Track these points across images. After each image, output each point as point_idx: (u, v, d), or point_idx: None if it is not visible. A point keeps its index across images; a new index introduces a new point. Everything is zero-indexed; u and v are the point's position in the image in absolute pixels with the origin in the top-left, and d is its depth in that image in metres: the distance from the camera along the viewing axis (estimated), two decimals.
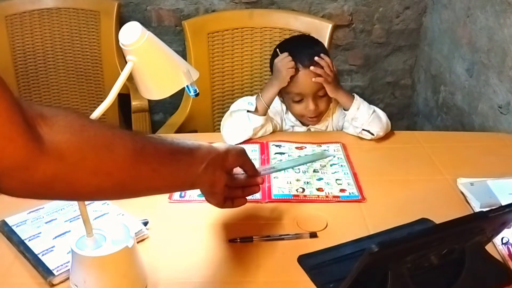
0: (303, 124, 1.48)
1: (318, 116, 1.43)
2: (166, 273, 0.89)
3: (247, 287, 0.86)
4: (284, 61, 1.37)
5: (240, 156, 0.88)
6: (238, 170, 0.91)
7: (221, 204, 0.90)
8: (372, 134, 1.32)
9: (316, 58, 1.35)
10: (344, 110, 1.38)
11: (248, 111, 1.36)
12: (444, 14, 2.01)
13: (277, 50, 1.44)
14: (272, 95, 1.38)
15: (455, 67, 1.92)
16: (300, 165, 1.20)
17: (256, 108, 1.36)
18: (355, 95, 1.38)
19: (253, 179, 0.93)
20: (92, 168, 0.63)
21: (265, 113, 1.37)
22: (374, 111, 1.34)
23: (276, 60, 1.40)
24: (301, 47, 1.42)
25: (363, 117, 1.32)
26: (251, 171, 0.92)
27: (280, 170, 1.13)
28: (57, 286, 0.85)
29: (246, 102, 1.39)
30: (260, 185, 0.95)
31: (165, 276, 0.88)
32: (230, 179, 0.88)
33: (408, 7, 2.18)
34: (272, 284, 0.87)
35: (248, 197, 1.08)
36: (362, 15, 2.18)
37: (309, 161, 1.22)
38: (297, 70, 1.37)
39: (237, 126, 1.34)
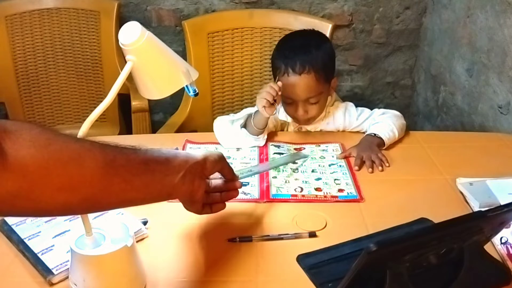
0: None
1: (309, 119, 1.42)
2: (166, 272, 0.89)
3: (246, 286, 0.86)
4: (261, 98, 1.28)
5: (219, 162, 0.86)
6: (215, 174, 0.90)
7: (199, 211, 0.88)
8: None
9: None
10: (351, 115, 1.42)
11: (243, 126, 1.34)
12: (444, 14, 2.01)
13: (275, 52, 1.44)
14: (262, 122, 1.31)
15: (455, 67, 1.92)
16: (277, 166, 1.20)
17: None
18: (383, 138, 1.30)
19: (231, 184, 0.92)
20: (58, 183, 0.60)
21: (258, 134, 1.32)
22: (395, 133, 1.32)
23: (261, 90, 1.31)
24: (296, 51, 1.35)
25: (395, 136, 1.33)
26: (230, 176, 0.91)
27: (258, 173, 1.13)
28: (57, 285, 0.85)
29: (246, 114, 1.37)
30: (239, 189, 0.93)
31: (164, 275, 0.88)
32: (208, 185, 0.87)
33: (408, 7, 2.18)
34: (271, 283, 0.87)
35: (246, 197, 1.09)
36: (362, 15, 2.18)
37: (286, 162, 1.22)
38: (287, 75, 1.33)
39: (235, 138, 1.33)
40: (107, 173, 0.65)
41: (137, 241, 0.90)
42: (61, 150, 0.61)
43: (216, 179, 0.91)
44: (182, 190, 0.79)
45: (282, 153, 1.28)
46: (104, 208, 0.74)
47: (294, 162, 1.23)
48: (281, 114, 1.51)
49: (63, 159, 0.61)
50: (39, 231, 0.96)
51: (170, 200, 1.00)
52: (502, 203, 1.01)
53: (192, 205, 0.86)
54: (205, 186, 0.85)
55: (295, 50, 1.36)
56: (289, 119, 1.49)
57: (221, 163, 0.87)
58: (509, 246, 0.92)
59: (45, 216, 0.77)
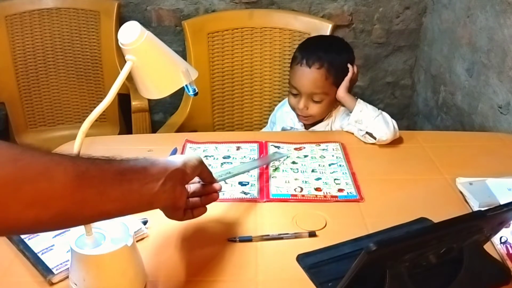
0: (304, 126, 1.51)
1: (308, 118, 1.45)
2: (166, 272, 0.89)
3: (246, 286, 0.86)
4: None
5: (198, 166, 0.84)
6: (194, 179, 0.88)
7: (181, 218, 0.86)
8: (374, 138, 1.31)
9: (349, 65, 1.44)
10: (350, 113, 1.39)
11: None
12: (444, 14, 2.01)
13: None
14: None
15: (455, 67, 1.92)
16: (255, 167, 1.18)
17: None
18: (358, 99, 1.39)
19: (211, 187, 0.89)
20: (27, 199, 0.58)
21: None
22: (380, 115, 1.33)
23: None
24: (317, 48, 1.44)
25: (367, 120, 1.32)
26: (209, 179, 0.89)
27: (236, 175, 1.08)
28: (57, 285, 0.86)
29: None
30: (218, 192, 0.90)
31: (164, 274, 0.88)
32: (187, 190, 0.86)
33: (408, 7, 2.18)
34: (270, 282, 0.87)
35: (246, 197, 1.09)
36: (362, 15, 2.18)
37: (264, 163, 1.20)
38: (300, 65, 1.41)
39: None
40: (79, 185, 0.63)
41: (137, 241, 0.90)
42: (29, 165, 0.59)
43: (194, 183, 0.88)
44: (163, 198, 0.76)
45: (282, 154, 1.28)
46: (79, 223, 0.72)
47: (274, 161, 1.22)
48: (289, 121, 1.52)
49: (31, 174, 0.59)
50: None
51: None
52: (501, 203, 1.01)
53: (174, 213, 0.84)
54: (186, 192, 0.83)
55: (317, 46, 1.46)
56: (295, 125, 1.50)
57: (200, 167, 0.85)
58: (508, 246, 0.92)
59: (15, 234, 0.75)
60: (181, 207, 0.83)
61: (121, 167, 0.71)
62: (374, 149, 1.32)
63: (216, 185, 0.90)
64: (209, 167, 1.18)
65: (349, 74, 1.42)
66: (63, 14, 1.97)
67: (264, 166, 1.21)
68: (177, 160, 0.80)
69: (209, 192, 0.89)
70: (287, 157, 1.25)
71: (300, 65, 1.41)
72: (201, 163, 0.85)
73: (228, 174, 1.04)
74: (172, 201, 0.79)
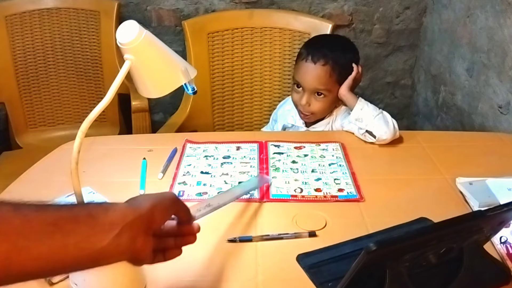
0: (305, 124, 1.52)
1: (310, 116, 1.46)
2: (166, 272, 0.88)
3: (246, 286, 0.86)
4: None
5: (171, 207, 0.71)
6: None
7: (150, 263, 0.71)
8: (374, 137, 1.31)
9: (353, 65, 1.45)
10: (350, 111, 1.40)
11: None
12: (444, 14, 2.01)
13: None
14: None
15: (455, 67, 1.92)
16: (238, 197, 1.05)
17: None
18: (360, 98, 1.39)
19: (188, 227, 0.75)
20: None
21: None
22: (381, 114, 1.33)
23: None
24: (323, 45, 1.46)
25: (367, 118, 1.32)
26: (186, 217, 0.75)
27: (217, 208, 0.90)
28: (57, 285, 0.85)
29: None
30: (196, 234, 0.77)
31: (164, 274, 0.88)
32: (158, 230, 0.71)
33: (408, 7, 2.18)
34: (270, 282, 0.87)
35: (246, 197, 1.09)
36: (362, 15, 2.18)
37: (246, 191, 1.09)
38: (305, 61, 1.43)
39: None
40: None
41: None
42: None
43: (168, 221, 0.74)
44: (116, 253, 0.62)
45: (282, 153, 1.28)
46: None
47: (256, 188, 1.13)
48: (290, 118, 1.53)
49: None
50: None
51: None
52: (501, 203, 1.01)
53: (139, 263, 0.71)
54: (152, 242, 0.68)
55: (323, 44, 1.48)
56: (297, 123, 1.51)
57: (174, 207, 0.72)
58: (508, 246, 0.92)
59: None
60: (144, 260, 0.68)
61: (57, 216, 0.59)
62: (374, 149, 1.32)
63: (194, 225, 0.76)
64: (209, 167, 1.20)
65: (353, 73, 1.43)
66: (63, 14, 1.96)
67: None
68: (144, 203, 0.66)
69: (185, 233, 0.76)
70: (271, 183, 1.16)
71: (305, 61, 1.43)
72: (175, 202, 0.72)
73: (208, 207, 0.88)
74: (131, 255, 0.65)
